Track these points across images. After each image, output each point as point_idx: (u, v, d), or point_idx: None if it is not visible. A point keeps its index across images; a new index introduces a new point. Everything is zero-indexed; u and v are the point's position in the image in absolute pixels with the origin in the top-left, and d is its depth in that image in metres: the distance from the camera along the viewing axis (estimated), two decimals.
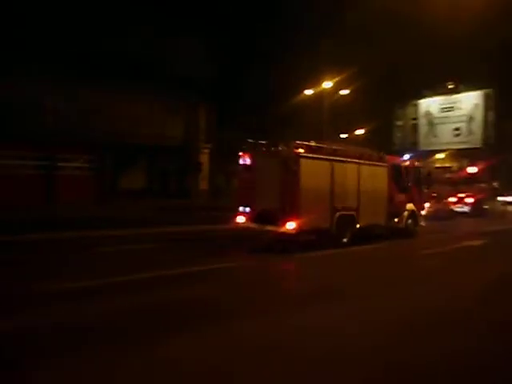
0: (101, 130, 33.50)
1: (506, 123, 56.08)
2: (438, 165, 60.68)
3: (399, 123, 66.69)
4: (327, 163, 14.26)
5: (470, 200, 34.88)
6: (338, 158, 14.70)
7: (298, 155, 13.41)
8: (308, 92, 42.68)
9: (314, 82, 41.47)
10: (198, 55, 39.70)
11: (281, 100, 44.72)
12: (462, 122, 59.55)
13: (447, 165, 60.45)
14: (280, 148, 14.05)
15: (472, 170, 53.06)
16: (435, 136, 62.15)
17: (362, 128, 53.40)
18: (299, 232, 13.09)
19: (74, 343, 5.08)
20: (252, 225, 14.16)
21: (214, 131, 45.89)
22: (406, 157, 26.80)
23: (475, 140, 58.26)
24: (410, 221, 17.57)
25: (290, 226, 12.83)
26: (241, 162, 14.67)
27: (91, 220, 19.74)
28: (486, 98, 57.64)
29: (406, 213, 17.61)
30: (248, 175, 14.58)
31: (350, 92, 44.85)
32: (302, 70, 44.02)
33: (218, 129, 45.82)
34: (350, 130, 53.52)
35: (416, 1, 40.92)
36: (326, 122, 39.35)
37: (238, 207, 14.52)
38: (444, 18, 48.96)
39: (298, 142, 14.02)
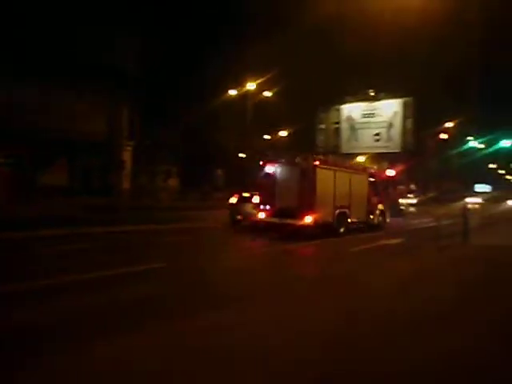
0: (21, 125, 35.54)
1: (423, 130, 67.22)
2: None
3: (322, 127, 79.43)
4: (332, 172, 21.36)
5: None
6: (337, 168, 22.18)
7: (315, 166, 20.28)
8: (232, 92, 47.88)
9: (240, 82, 46.72)
10: (124, 51, 45.73)
11: (207, 100, 54.39)
12: (382, 127, 73.13)
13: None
14: (298, 160, 21.39)
15: (390, 172, 63.35)
16: (356, 140, 75.54)
17: (285, 130, 61.02)
18: (314, 224, 19.73)
19: (13, 345, 5.60)
20: (272, 219, 20.65)
21: (137, 128, 52.16)
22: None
23: (394, 145, 71.90)
24: (380, 218, 25.47)
25: (308, 219, 19.52)
26: (262, 170, 21.75)
27: (15, 219, 20.90)
28: (405, 106, 71.00)
29: (378, 211, 25.23)
30: (268, 180, 21.28)
31: (275, 94, 51.73)
32: (228, 71, 50.92)
33: (142, 126, 52.03)
34: (273, 132, 60.90)
35: (342, 10, 48.83)
36: (250, 122, 44.30)
37: (260, 206, 21.43)
38: (368, 27, 58.67)
39: (315, 156, 23.24)
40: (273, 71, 50.45)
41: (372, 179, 25.03)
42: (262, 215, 21.14)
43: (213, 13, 59.92)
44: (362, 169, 26.27)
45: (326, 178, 20.55)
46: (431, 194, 70.05)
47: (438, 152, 76.62)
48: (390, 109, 73.26)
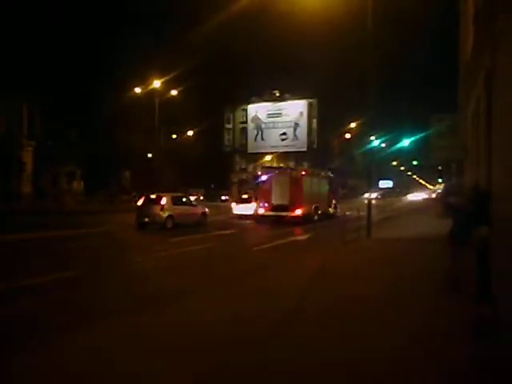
0: None
1: (328, 130, 76.24)
2: (267, 165, 79.78)
3: (229, 126, 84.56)
4: (310, 178, 31.78)
5: None
6: (313, 176, 33.19)
7: (302, 175, 30.94)
8: (137, 90, 50.59)
9: (146, 81, 49.50)
10: (23, 47, 48.34)
11: (114, 99, 54.99)
12: (288, 127, 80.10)
13: (275, 166, 79.84)
14: (289, 171, 33.18)
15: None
16: (263, 140, 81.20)
17: (192, 129, 65.97)
18: (302, 215, 29.06)
19: None
20: (270, 213, 29.99)
21: (38, 128, 53.39)
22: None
23: (300, 144, 78.87)
24: (334, 210, 35.37)
25: (299, 212, 29.10)
26: (260, 177, 32.14)
27: None
28: (310, 106, 78.48)
29: (332, 205, 35.29)
30: (266, 185, 30.90)
31: (181, 93, 55.49)
32: (134, 69, 54.01)
33: (44, 126, 53.75)
34: (181, 131, 65.56)
35: (248, 9, 54.49)
36: (157, 122, 47.22)
37: (259, 204, 30.97)
38: (274, 28, 65.86)
39: (303, 168, 38.36)
40: (178, 70, 53.48)
41: (329, 181, 35.58)
42: (261, 210, 30.54)
43: (117, 12, 64.47)
44: (324, 174, 36.40)
45: (308, 183, 30.75)
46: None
47: (343, 151, 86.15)
48: (295, 109, 79.73)
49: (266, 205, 30.25)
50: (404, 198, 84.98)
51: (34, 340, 6.47)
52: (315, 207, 30.79)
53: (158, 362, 5.50)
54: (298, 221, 28.41)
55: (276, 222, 28.87)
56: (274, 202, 29.99)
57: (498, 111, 7.29)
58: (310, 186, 30.81)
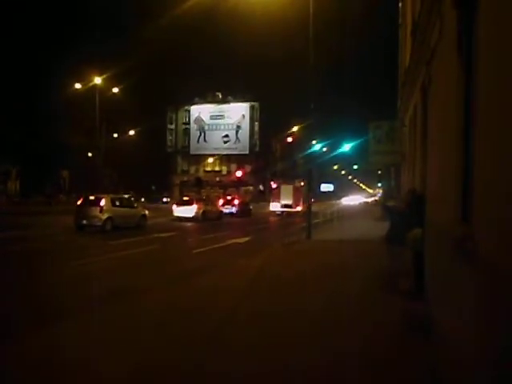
0: None
1: (271, 134, 77.21)
2: (208, 169, 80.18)
3: (171, 127, 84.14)
4: (300, 187, 48.11)
5: (237, 201, 43.64)
6: (302, 185, 47.53)
7: (301, 186, 47.27)
8: (78, 86, 49.19)
9: (87, 77, 48.64)
10: None
11: (52, 96, 53.63)
12: (230, 130, 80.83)
13: (217, 169, 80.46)
14: (293, 183, 50.49)
15: (239, 174, 72.58)
16: (205, 141, 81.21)
17: (134, 129, 65.30)
18: (301, 211, 38.43)
19: None
20: (279, 209, 44.36)
21: None
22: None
23: (242, 147, 79.61)
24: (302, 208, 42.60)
25: (299, 208, 42.45)
26: (273, 185, 52.35)
27: None
28: (252, 109, 79.10)
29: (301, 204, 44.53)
30: (276, 190, 46.53)
31: (123, 91, 54.80)
32: (74, 66, 53.02)
33: None
34: (123, 130, 64.79)
35: (193, 13, 54.73)
36: (98, 120, 46.52)
37: (272, 203, 46.14)
38: (220, 30, 66.12)
39: (301, 180, 51.31)
40: (120, 67, 52.60)
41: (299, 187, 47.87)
42: (273, 207, 45.08)
43: (60, 9, 63.25)
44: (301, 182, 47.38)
45: (301, 190, 44.01)
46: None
47: (286, 155, 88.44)
48: (238, 112, 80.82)
49: (277, 204, 44.64)
50: (339, 201, 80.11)
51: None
52: (304, 206, 38.00)
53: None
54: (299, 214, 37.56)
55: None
56: (283, 202, 44.31)
57: (433, 120, 7.68)
58: (301, 192, 43.04)
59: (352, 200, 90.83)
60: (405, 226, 8.77)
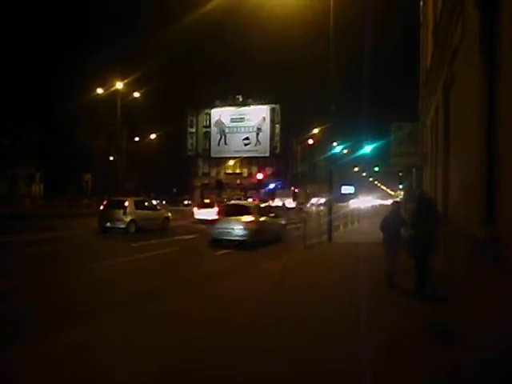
0: None
1: (291, 136, 77.19)
2: (229, 171, 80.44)
3: (192, 130, 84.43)
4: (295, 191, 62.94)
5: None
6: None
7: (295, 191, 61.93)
8: (100, 91, 49.47)
9: (109, 82, 49.04)
10: None
11: (75, 99, 53.89)
12: (251, 132, 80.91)
13: (238, 171, 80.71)
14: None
15: (260, 176, 72.66)
16: (226, 144, 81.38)
17: (155, 132, 65.72)
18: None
19: None
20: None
21: None
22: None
23: (263, 149, 79.71)
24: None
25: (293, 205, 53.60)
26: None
27: None
28: (273, 112, 79.25)
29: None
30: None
31: (144, 96, 55.08)
32: (97, 70, 53.42)
33: (1, 126, 52.31)
34: (143, 134, 65.30)
35: (213, 14, 54.96)
36: (120, 124, 46.99)
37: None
38: (240, 33, 66.40)
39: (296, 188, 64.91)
40: (141, 72, 52.20)
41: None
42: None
43: (80, 13, 63.99)
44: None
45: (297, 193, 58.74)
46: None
47: (306, 157, 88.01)
48: (258, 114, 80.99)
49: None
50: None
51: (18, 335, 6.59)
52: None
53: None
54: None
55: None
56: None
57: (455, 121, 7.60)
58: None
59: (363, 202, 71.05)
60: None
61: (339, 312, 8.01)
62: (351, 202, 54.95)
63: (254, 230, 18.23)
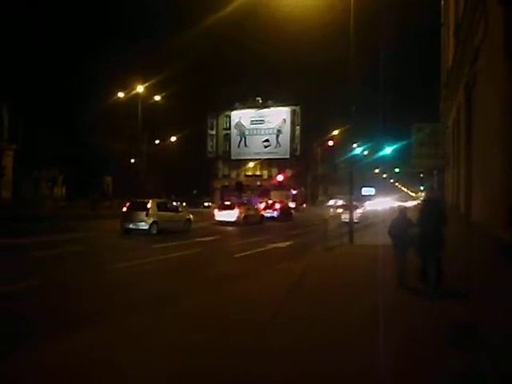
0: None
1: (311, 137, 77.09)
2: (249, 173, 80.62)
3: (212, 132, 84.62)
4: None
5: (278, 206, 42.89)
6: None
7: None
8: (121, 95, 49.97)
9: (129, 85, 49.58)
10: (5, 50, 47.25)
11: (96, 103, 54.83)
12: (271, 134, 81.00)
13: (258, 173, 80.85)
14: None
15: (280, 178, 72.73)
16: (246, 146, 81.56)
17: (175, 135, 66.11)
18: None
19: None
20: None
21: (21, 132, 52.59)
22: None
23: (283, 151, 79.71)
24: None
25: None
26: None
27: None
28: (293, 114, 79.23)
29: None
30: None
31: (165, 99, 55.44)
32: (117, 73, 54.09)
33: (25, 129, 52.90)
34: (164, 137, 65.74)
35: (231, 20, 55.10)
36: (140, 127, 47.45)
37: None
38: (259, 35, 66.49)
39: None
40: (162, 75, 52.82)
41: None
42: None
43: (102, 17, 64.69)
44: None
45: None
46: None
47: (326, 158, 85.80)
48: (278, 116, 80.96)
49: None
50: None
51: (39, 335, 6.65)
52: None
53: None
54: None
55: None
56: None
57: (478, 122, 7.49)
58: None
59: (381, 204, 63.10)
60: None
61: (358, 312, 8.00)
62: (367, 203, 50.63)
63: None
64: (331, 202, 68.15)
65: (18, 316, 8.19)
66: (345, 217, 23.40)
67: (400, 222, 10.39)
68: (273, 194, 60.31)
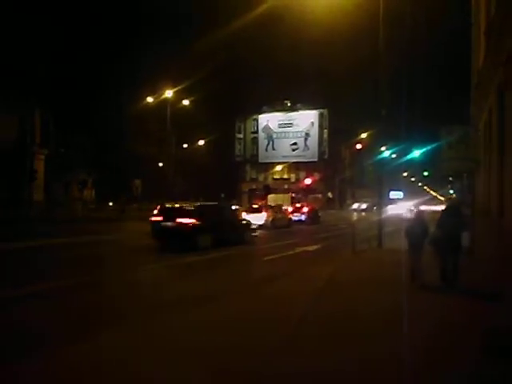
0: None
1: (339, 140, 76.75)
2: (277, 176, 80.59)
3: (240, 136, 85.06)
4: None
5: (306, 209, 42.28)
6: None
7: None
8: (150, 100, 51.12)
9: (158, 90, 49.38)
10: (37, 54, 47.93)
11: (125, 107, 55.40)
12: (299, 137, 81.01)
13: (286, 176, 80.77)
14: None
15: (308, 181, 72.49)
16: (274, 149, 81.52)
17: (203, 139, 66.60)
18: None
19: None
20: None
21: (52, 136, 53.19)
22: None
23: (311, 154, 79.56)
24: None
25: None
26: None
27: None
28: (321, 117, 79.01)
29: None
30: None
31: (193, 103, 55.88)
32: (146, 79, 54.73)
33: (56, 133, 53.65)
34: (192, 141, 66.32)
35: (258, 22, 55.17)
36: (168, 131, 47.96)
37: None
38: (287, 39, 66.36)
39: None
40: (190, 79, 53.91)
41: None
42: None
43: (131, 23, 65.39)
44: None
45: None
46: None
47: (354, 161, 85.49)
48: (306, 119, 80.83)
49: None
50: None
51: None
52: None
53: None
54: None
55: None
56: None
57: (511, 124, 7.29)
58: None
59: (404, 208, 56.94)
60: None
61: (383, 311, 8.03)
62: (389, 207, 45.18)
63: None
64: (355, 206, 67.81)
65: (48, 315, 8.28)
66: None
67: (416, 224, 11.05)
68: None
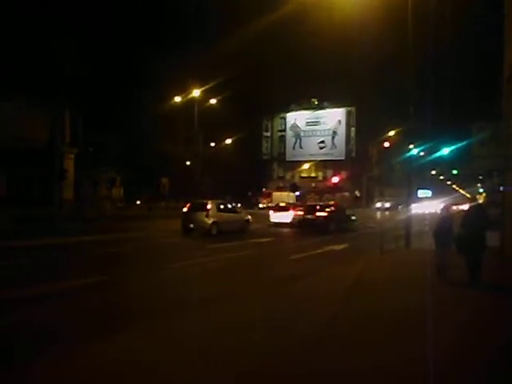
0: None
1: (366, 138, 76.13)
2: (304, 175, 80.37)
3: (267, 134, 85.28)
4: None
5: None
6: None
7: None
8: (177, 99, 51.24)
9: (186, 90, 50.10)
10: (64, 54, 47.72)
11: (152, 106, 56.04)
12: (326, 135, 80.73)
13: (313, 175, 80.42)
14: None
15: (335, 179, 71.99)
16: (301, 148, 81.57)
17: (230, 137, 66.88)
18: None
19: None
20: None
21: (81, 136, 53.59)
22: None
23: (338, 153, 79.33)
24: None
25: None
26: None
27: None
28: (349, 115, 78.90)
29: None
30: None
31: (220, 102, 56.09)
32: (173, 78, 55.11)
33: (84, 133, 53.96)
34: (219, 139, 66.67)
35: (285, 20, 55.08)
36: (196, 130, 48.27)
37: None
38: (313, 37, 66.07)
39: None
40: (217, 78, 53.55)
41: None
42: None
43: (158, 23, 65.84)
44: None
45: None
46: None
47: (382, 159, 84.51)
48: (334, 117, 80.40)
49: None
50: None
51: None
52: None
53: None
54: None
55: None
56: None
57: None
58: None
59: (429, 207, 51.86)
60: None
61: (412, 311, 7.92)
62: (415, 205, 42.37)
63: None
64: (378, 205, 67.25)
65: (70, 313, 8.35)
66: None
67: (444, 223, 11.51)
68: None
